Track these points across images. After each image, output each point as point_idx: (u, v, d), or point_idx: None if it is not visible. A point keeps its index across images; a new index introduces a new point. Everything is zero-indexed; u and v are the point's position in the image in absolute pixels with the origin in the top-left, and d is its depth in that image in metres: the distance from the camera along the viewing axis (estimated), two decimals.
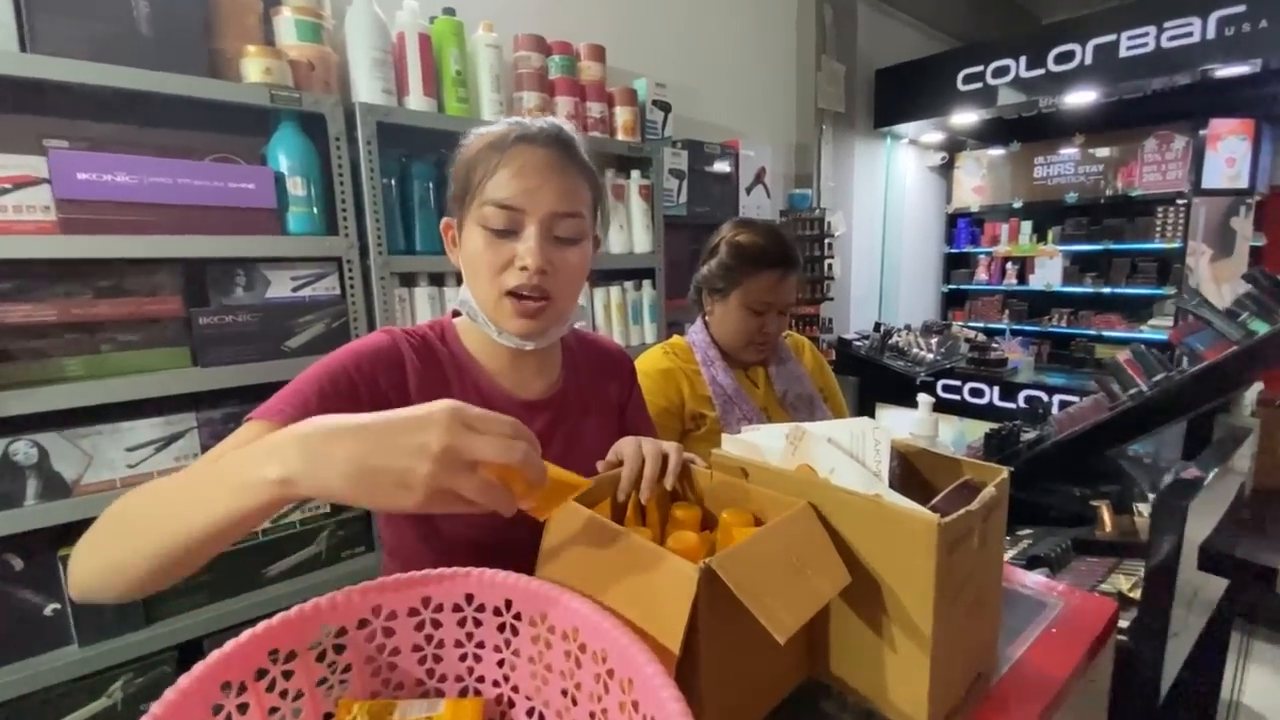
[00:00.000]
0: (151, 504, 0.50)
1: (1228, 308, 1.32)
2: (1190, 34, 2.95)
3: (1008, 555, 1.20)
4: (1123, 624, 0.96)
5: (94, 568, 0.50)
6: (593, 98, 1.96)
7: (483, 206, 0.69)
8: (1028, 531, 1.34)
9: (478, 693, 0.55)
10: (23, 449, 1.16)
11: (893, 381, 3.25)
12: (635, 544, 0.54)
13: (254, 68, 1.34)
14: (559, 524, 0.61)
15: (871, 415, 3.33)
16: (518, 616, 0.53)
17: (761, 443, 0.66)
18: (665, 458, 0.69)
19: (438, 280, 1.67)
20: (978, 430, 1.62)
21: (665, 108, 2.23)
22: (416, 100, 1.60)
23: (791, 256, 1.20)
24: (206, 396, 1.32)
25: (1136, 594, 1.04)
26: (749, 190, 2.71)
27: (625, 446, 0.71)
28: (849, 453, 0.59)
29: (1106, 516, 1.30)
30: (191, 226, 1.26)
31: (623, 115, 2.03)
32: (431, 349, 0.77)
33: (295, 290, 1.42)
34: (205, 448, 1.31)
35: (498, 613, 0.53)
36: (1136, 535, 1.25)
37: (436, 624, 0.54)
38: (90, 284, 1.22)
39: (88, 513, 1.17)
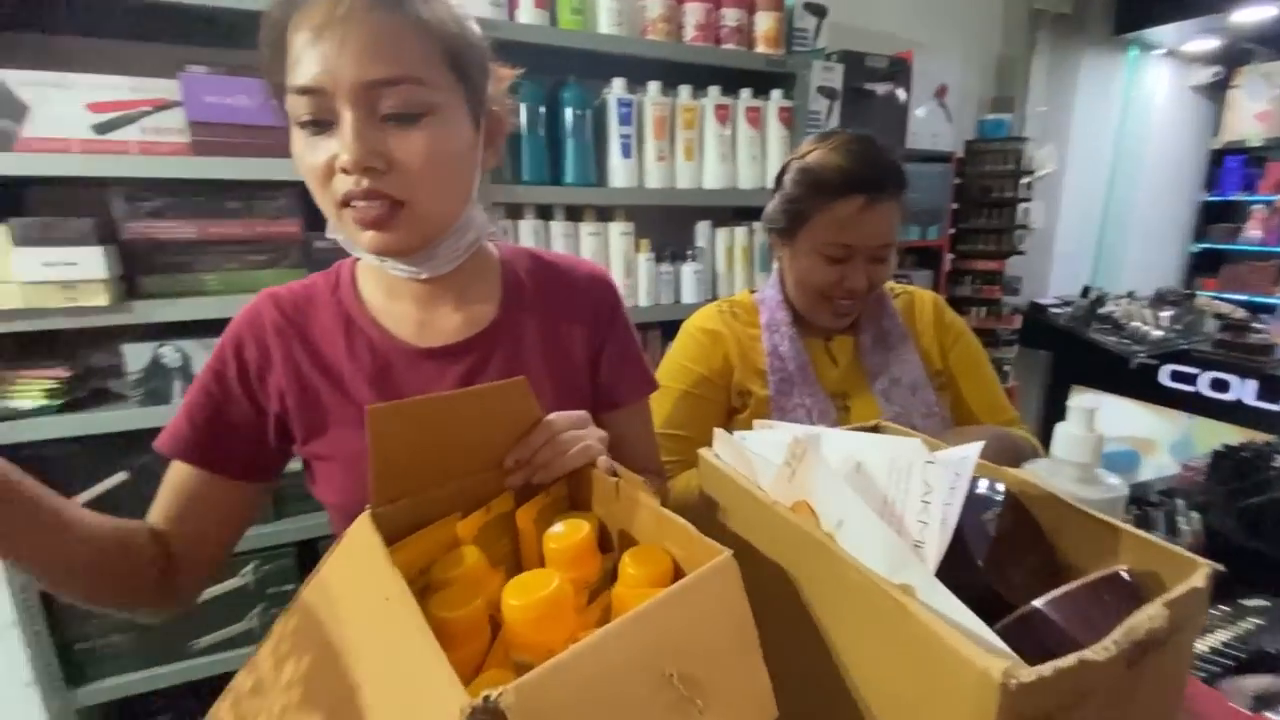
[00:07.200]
0: None
1: None
2: None
3: (1206, 644, 0.78)
4: None
5: None
6: (729, 3, 1.69)
7: (288, 95, 0.50)
8: (1258, 603, 0.90)
9: None
10: (169, 353, 1.30)
11: (1100, 361, 2.66)
12: (409, 626, 0.31)
13: None
14: (346, 549, 0.40)
15: (1064, 400, 2.74)
16: None
17: (767, 451, 0.43)
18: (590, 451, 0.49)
19: (545, 214, 1.59)
20: (1212, 436, 1.18)
21: (819, 12, 1.87)
22: (527, 13, 1.49)
23: (881, 177, 0.86)
24: None
25: None
26: (920, 113, 2.26)
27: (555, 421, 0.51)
28: (882, 494, 0.35)
29: None
30: None
31: (764, 22, 1.74)
32: (310, 306, 0.65)
33: None
34: None
35: None
36: None
37: None
38: (222, 204, 1.30)
39: None
